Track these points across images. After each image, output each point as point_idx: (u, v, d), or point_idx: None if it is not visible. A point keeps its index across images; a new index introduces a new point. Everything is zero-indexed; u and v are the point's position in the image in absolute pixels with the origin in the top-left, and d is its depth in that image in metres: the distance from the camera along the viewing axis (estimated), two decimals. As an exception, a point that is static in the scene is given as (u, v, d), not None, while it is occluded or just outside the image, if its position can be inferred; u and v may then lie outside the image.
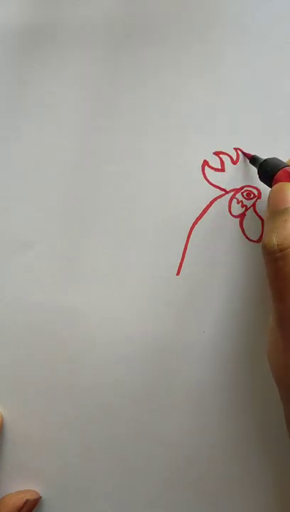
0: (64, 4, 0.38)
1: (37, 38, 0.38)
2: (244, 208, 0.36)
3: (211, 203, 0.37)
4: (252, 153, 0.35)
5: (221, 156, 0.37)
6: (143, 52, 0.38)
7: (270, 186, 0.33)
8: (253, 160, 0.35)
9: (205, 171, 0.37)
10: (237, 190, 0.37)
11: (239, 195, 0.36)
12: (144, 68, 0.38)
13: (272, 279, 0.28)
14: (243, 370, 0.36)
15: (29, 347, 0.37)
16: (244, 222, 0.36)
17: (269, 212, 0.30)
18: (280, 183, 0.31)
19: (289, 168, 0.32)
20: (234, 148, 0.37)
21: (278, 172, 0.32)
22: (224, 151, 0.37)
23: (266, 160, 0.34)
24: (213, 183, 0.37)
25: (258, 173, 0.34)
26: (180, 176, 0.37)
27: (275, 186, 0.31)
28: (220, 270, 0.36)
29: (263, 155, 0.36)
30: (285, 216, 0.29)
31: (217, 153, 0.37)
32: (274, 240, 0.28)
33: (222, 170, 0.37)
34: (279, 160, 0.33)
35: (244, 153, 0.36)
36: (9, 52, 0.39)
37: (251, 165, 0.35)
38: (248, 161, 0.35)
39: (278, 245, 0.28)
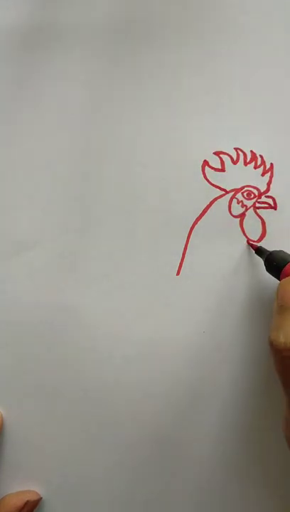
0: (64, 4, 0.38)
1: (37, 38, 0.38)
2: (244, 208, 0.36)
3: (211, 203, 0.37)
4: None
5: (221, 156, 0.37)
6: (143, 52, 0.38)
7: (278, 278, 0.33)
8: (258, 251, 0.35)
9: (205, 171, 0.37)
10: (237, 190, 0.37)
11: (239, 195, 0.36)
12: (144, 68, 0.38)
13: (280, 373, 0.29)
14: (243, 370, 0.36)
15: (29, 347, 0.37)
16: (244, 222, 0.36)
17: (277, 305, 0.31)
18: (287, 278, 0.31)
19: None
20: (235, 148, 0.37)
21: (287, 265, 0.32)
22: (224, 151, 0.37)
23: (271, 253, 0.34)
24: (213, 183, 0.37)
25: (265, 264, 0.34)
26: (180, 176, 0.37)
27: (284, 280, 0.31)
28: (220, 270, 0.36)
29: (263, 155, 0.37)
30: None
31: (217, 153, 0.37)
32: (281, 337, 0.28)
33: (222, 170, 0.37)
34: (285, 253, 0.33)
35: (251, 244, 0.36)
36: (9, 52, 0.38)
37: (257, 255, 0.35)
38: (253, 251, 0.35)
39: (284, 343, 0.28)
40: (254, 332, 0.36)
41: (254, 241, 0.36)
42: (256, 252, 0.35)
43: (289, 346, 0.28)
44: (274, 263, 0.33)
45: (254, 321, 0.36)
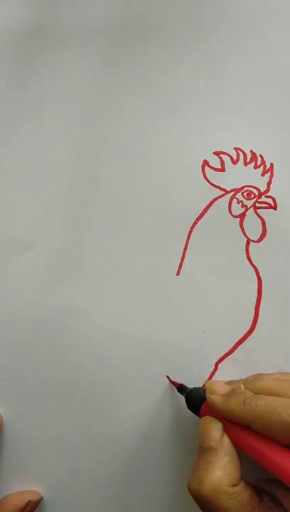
0: (64, 5, 0.38)
1: (37, 38, 0.38)
2: (245, 208, 0.36)
3: (211, 203, 0.37)
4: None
5: (221, 156, 0.37)
6: (143, 52, 0.38)
7: (198, 416, 0.33)
8: (180, 388, 0.35)
9: (205, 171, 0.37)
10: (237, 190, 0.37)
11: (239, 195, 0.36)
12: (144, 68, 0.38)
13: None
14: (243, 370, 0.36)
15: (29, 347, 0.37)
16: (244, 222, 0.36)
17: (197, 445, 0.31)
18: (207, 417, 0.31)
19: (206, 396, 0.32)
20: (235, 148, 0.37)
21: (203, 404, 0.32)
22: (224, 151, 0.37)
23: (191, 390, 0.34)
24: (213, 183, 0.37)
25: (186, 402, 0.34)
26: (180, 175, 0.37)
27: (203, 420, 0.31)
28: (220, 270, 0.36)
29: (263, 155, 0.37)
30: (207, 456, 0.30)
31: (217, 153, 0.37)
32: (196, 483, 0.29)
33: (222, 170, 0.37)
34: (203, 390, 0.33)
35: (172, 382, 0.36)
36: (9, 52, 0.38)
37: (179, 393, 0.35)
38: (176, 389, 0.35)
39: (198, 490, 0.28)
40: (254, 332, 0.36)
41: (254, 241, 0.36)
42: (177, 390, 0.35)
43: (202, 494, 0.28)
44: (194, 400, 0.33)
45: (255, 321, 0.36)
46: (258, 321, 0.36)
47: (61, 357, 0.37)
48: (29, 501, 0.35)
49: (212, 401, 0.31)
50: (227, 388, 0.32)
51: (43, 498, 0.36)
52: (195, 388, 0.34)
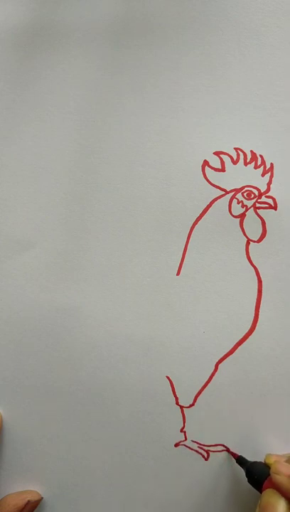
0: (64, 4, 0.38)
1: (37, 38, 0.38)
2: (245, 208, 0.36)
3: (211, 203, 0.37)
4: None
5: (221, 156, 0.37)
6: (144, 52, 0.38)
7: (258, 491, 0.33)
8: (239, 460, 0.35)
9: (205, 171, 0.37)
10: (237, 190, 0.37)
11: (239, 195, 0.36)
12: (144, 68, 0.38)
13: None
14: (243, 370, 0.36)
15: (29, 347, 0.37)
16: (244, 223, 0.36)
17: None
18: (271, 490, 0.31)
19: (271, 476, 0.32)
20: (235, 148, 0.37)
21: (266, 480, 0.32)
22: (224, 151, 0.37)
23: (252, 464, 0.34)
24: (213, 183, 0.37)
25: (246, 476, 0.34)
26: (180, 176, 0.37)
27: (266, 493, 0.31)
28: (220, 270, 0.36)
29: (263, 155, 0.37)
30: None
31: (217, 153, 0.37)
32: None
33: (222, 170, 0.37)
34: (264, 465, 0.33)
35: (231, 453, 0.35)
36: (9, 52, 0.38)
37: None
38: (234, 460, 0.35)
39: None
40: (255, 333, 0.36)
41: (254, 241, 0.36)
42: (237, 461, 0.35)
43: None
44: (255, 476, 0.33)
45: (255, 321, 0.36)
46: (258, 321, 0.36)
47: (61, 357, 0.37)
48: (29, 501, 0.35)
49: (278, 482, 0.31)
50: None
51: (42, 498, 0.36)
52: (255, 463, 0.34)
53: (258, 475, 0.33)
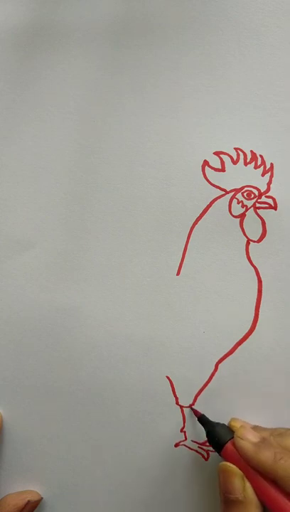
0: (64, 4, 0.38)
1: (37, 38, 0.38)
2: (245, 208, 0.36)
3: (211, 203, 0.37)
4: None
5: (221, 156, 0.37)
6: (144, 52, 0.38)
7: (218, 452, 0.33)
8: (201, 419, 0.35)
9: (205, 171, 0.37)
10: (237, 190, 0.37)
11: (239, 195, 0.36)
12: (144, 68, 0.38)
13: None
14: (243, 370, 0.36)
15: (29, 347, 0.37)
16: (244, 223, 0.36)
17: (221, 494, 0.31)
18: (225, 464, 0.31)
19: (234, 440, 0.32)
20: (235, 148, 0.37)
21: (227, 444, 0.32)
22: (224, 151, 0.37)
23: (215, 425, 0.33)
24: (213, 183, 0.37)
25: (207, 436, 0.34)
26: (180, 176, 0.37)
27: (224, 468, 0.31)
28: (220, 270, 0.36)
29: (263, 155, 0.37)
30: (234, 509, 0.30)
31: (217, 153, 0.37)
32: None
33: (222, 170, 0.37)
34: (227, 428, 0.33)
35: (194, 411, 0.35)
36: (9, 52, 0.38)
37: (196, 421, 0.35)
38: (196, 418, 0.35)
39: None
40: (255, 333, 0.36)
41: (254, 241, 0.36)
42: (199, 420, 0.35)
43: None
44: (216, 438, 0.33)
45: (255, 322, 0.36)
46: (258, 321, 0.36)
47: (61, 357, 0.37)
48: (29, 501, 0.35)
49: (242, 448, 0.31)
50: (256, 436, 0.31)
51: (42, 498, 0.36)
52: (219, 425, 0.34)
53: (219, 437, 0.33)
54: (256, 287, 0.36)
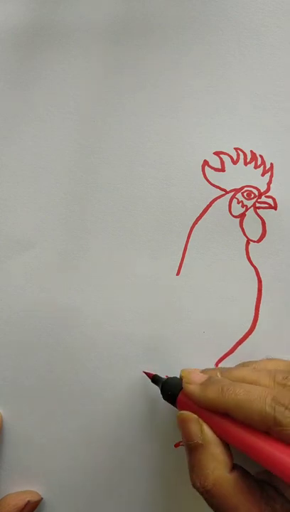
0: (64, 4, 0.38)
1: (37, 38, 0.38)
2: (245, 208, 0.36)
3: (211, 203, 0.37)
4: None
5: (221, 156, 0.37)
6: (144, 52, 0.38)
7: (174, 405, 0.32)
8: (154, 380, 0.35)
9: (205, 171, 0.37)
10: (237, 190, 0.37)
11: (239, 195, 0.36)
12: (144, 68, 0.38)
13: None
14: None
15: (29, 347, 0.37)
16: (244, 223, 0.36)
17: (184, 443, 0.31)
18: (181, 413, 0.31)
19: (183, 387, 0.31)
20: (235, 148, 0.37)
21: (179, 394, 0.32)
22: (224, 151, 0.37)
23: (166, 380, 0.33)
24: (213, 183, 0.37)
25: (161, 393, 0.34)
26: (180, 176, 0.37)
27: (179, 417, 0.31)
28: (220, 270, 0.36)
29: (263, 155, 0.37)
30: (197, 453, 0.29)
31: (217, 153, 0.37)
32: (196, 481, 0.29)
33: (222, 170, 0.37)
34: (178, 379, 0.33)
35: (146, 374, 0.35)
36: (9, 52, 0.38)
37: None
38: (150, 380, 0.35)
39: (201, 487, 0.29)
40: (254, 333, 0.36)
41: (254, 241, 0.36)
42: (152, 381, 0.35)
43: (206, 489, 0.28)
44: (169, 392, 0.33)
45: (254, 322, 0.36)
46: (258, 321, 0.36)
47: (61, 357, 0.37)
48: (28, 501, 0.35)
49: (190, 391, 0.31)
50: (203, 377, 0.31)
51: (42, 498, 0.36)
52: (170, 378, 0.34)
53: (172, 389, 0.32)
54: (256, 287, 0.36)
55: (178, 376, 0.33)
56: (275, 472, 0.27)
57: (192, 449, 0.30)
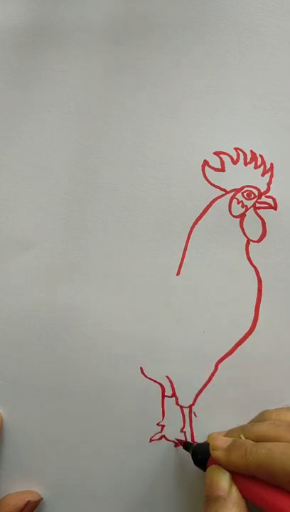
0: (64, 4, 0.38)
1: (37, 38, 0.38)
2: (245, 208, 0.36)
3: (211, 203, 0.37)
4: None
5: (221, 156, 0.37)
6: (144, 52, 0.38)
7: (204, 470, 0.32)
8: (185, 446, 0.35)
9: (205, 171, 0.37)
10: (237, 190, 0.37)
11: (239, 195, 0.36)
12: (144, 68, 0.38)
13: None
14: (243, 370, 0.36)
15: (29, 347, 0.37)
16: (244, 223, 0.36)
17: (204, 495, 0.31)
18: (214, 466, 0.31)
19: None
20: (235, 148, 0.37)
21: (209, 460, 0.32)
22: (224, 151, 0.37)
23: (196, 446, 0.34)
24: (213, 183, 0.37)
25: (192, 458, 0.34)
26: (180, 176, 0.37)
27: (209, 470, 0.31)
28: (220, 270, 0.36)
29: (263, 155, 0.37)
30: (216, 506, 0.29)
31: (217, 153, 0.37)
32: None
33: (222, 170, 0.37)
34: (207, 445, 0.33)
35: (178, 440, 0.36)
36: (9, 52, 0.38)
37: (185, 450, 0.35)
38: (181, 447, 0.35)
39: None
40: (254, 333, 0.36)
41: (254, 241, 0.36)
42: (183, 447, 0.35)
43: None
44: (199, 456, 0.33)
45: (254, 321, 0.36)
46: (258, 321, 0.36)
47: (61, 357, 0.37)
48: (29, 501, 0.35)
49: (216, 457, 0.31)
50: (227, 441, 0.31)
51: (42, 498, 0.36)
52: (199, 444, 0.34)
53: (201, 455, 0.33)
54: (256, 287, 0.36)
55: (206, 439, 0.33)
56: None
57: (213, 501, 0.30)
